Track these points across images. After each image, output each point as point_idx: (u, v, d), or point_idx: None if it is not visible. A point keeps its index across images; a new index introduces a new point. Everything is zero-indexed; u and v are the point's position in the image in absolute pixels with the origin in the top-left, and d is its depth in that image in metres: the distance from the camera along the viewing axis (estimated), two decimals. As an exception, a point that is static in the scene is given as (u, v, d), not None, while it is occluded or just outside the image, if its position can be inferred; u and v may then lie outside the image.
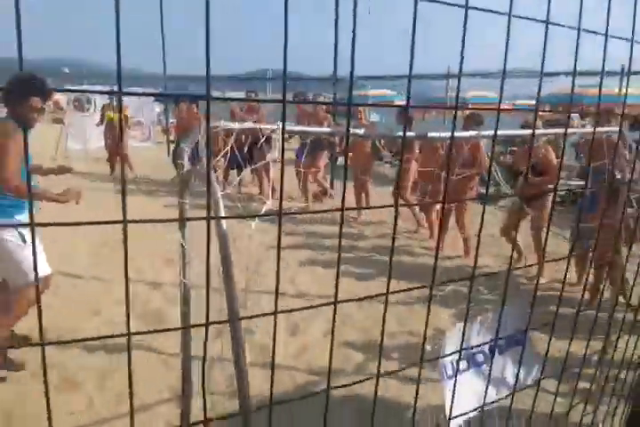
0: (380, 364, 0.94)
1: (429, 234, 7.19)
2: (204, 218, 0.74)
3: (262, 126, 1.67)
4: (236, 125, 1.47)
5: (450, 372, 2.10)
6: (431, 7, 0.87)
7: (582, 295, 1.65)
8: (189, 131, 10.84)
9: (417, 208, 7.45)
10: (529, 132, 4.45)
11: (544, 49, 0.93)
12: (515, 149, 10.16)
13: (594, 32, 1.04)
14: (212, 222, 0.96)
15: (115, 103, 11.80)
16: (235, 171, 9.73)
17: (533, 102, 14.55)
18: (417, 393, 1.07)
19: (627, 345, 1.99)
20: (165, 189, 10.34)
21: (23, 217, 3.33)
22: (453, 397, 1.47)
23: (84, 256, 5.61)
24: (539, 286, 1.70)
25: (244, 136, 9.52)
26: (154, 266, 5.38)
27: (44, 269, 3.48)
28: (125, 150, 11.40)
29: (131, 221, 0.64)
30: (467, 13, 0.77)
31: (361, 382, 0.94)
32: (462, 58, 0.85)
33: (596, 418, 2.60)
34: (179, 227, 1.82)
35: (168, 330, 0.78)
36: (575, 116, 10.75)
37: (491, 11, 0.84)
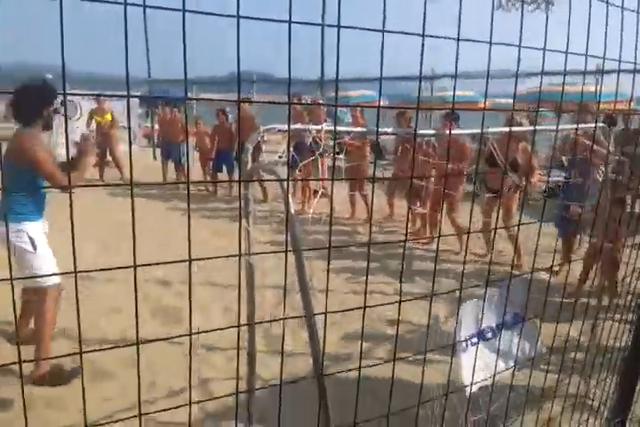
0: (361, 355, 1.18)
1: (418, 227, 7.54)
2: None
3: (312, 127, 1.89)
4: (290, 127, 1.68)
5: (464, 345, 2.37)
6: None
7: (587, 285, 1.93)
8: (174, 134, 11.28)
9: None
10: (521, 128, 4.77)
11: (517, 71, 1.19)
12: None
13: (505, 44, 1.30)
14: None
15: (103, 107, 11.96)
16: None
17: (509, 100, 15.03)
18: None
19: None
20: (157, 192, 10.54)
21: (32, 223, 3.43)
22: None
23: (96, 256, 5.77)
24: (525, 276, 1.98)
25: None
26: (163, 266, 5.57)
27: (54, 279, 3.50)
28: (118, 154, 11.65)
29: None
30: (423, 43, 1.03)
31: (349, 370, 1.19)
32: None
33: (587, 389, 2.91)
34: (244, 215, 2.04)
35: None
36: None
37: (444, 37, 1.08)
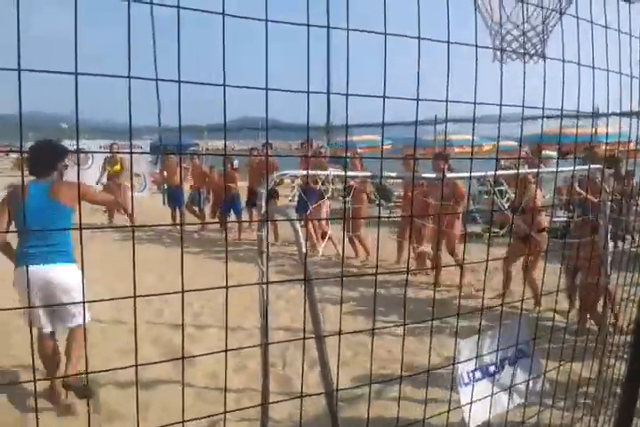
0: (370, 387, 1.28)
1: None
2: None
3: (320, 172, 2.03)
4: (300, 172, 1.83)
5: (466, 380, 2.43)
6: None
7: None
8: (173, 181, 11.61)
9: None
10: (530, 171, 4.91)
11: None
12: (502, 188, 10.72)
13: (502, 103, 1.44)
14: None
15: (115, 157, 12.29)
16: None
17: (513, 143, 15.34)
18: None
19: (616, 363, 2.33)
20: (168, 235, 10.71)
21: (77, 264, 3.67)
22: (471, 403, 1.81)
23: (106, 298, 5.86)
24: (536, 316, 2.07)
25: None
26: (174, 310, 5.67)
27: (88, 316, 3.68)
28: (128, 201, 11.90)
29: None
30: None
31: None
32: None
33: (596, 425, 2.93)
34: (258, 253, 2.17)
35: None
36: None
37: (434, 100, 1.24)
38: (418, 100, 1.10)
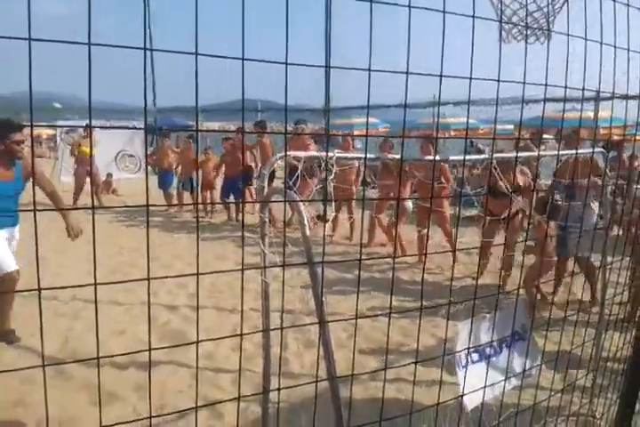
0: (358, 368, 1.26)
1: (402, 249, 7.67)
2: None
3: (323, 154, 1.97)
4: (302, 154, 1.80)
5: (463, 362, 2.43)
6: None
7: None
8: (183, 163, 11.50)
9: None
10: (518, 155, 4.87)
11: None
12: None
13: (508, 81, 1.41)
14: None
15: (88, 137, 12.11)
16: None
17: (510, 127, 15.30)
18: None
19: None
20: (160, 219, 10.67)
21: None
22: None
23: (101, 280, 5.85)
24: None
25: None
26: (170, 290, 5.66)
27: (12, 265, 4.21)
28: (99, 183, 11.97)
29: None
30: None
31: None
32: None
33: (592, 408, 2.94)
34: (260, 236, 2.13)
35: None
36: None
37: (427, 74, 1.20)
38: (441, 76, 1.06)
